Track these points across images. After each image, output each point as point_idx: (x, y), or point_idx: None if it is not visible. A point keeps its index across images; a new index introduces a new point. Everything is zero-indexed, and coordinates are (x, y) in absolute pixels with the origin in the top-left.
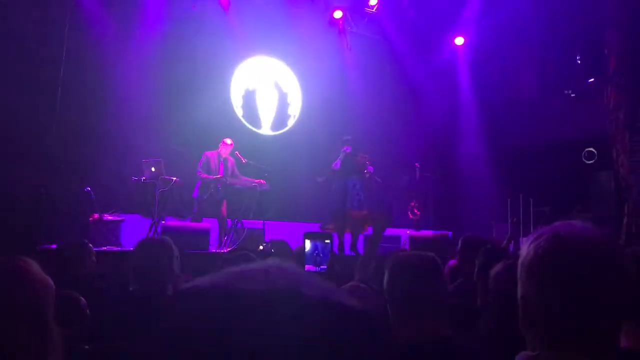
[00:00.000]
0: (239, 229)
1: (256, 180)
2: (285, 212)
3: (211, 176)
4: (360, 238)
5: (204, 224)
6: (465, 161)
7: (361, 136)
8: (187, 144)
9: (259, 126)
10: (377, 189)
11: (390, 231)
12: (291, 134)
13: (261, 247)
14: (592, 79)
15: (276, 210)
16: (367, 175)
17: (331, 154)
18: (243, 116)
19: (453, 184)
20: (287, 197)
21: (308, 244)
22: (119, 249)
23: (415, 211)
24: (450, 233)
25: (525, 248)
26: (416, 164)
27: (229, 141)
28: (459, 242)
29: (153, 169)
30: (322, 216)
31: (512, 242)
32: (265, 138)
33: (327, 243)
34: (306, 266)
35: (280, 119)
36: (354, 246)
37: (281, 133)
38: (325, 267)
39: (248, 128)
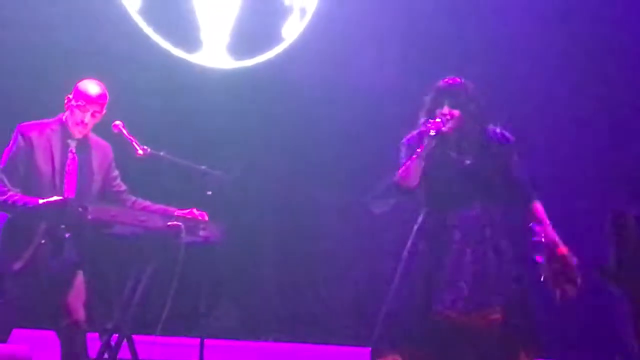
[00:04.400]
0: None
1: (182, 212)
2: (264, 315)
3: (37, 199)
4: None
5: (14, 345)
6: None
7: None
8: None
9: (194, 47)
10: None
11: None
12: (282, 75)
13: None
14: None
15: (240, 312)
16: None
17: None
18: (150, 24)
19: None
20: (275, 260)
21: None
22: None
23: None
24: None
25: None
26: None
27: (94, 90)
28: None
29: None
30: (373, 325)
31: None
32: (208, 82)
33: None
34: None
35: (256, 33)
36: None
37: (255, 68)
38: None
39: (164, 53)
